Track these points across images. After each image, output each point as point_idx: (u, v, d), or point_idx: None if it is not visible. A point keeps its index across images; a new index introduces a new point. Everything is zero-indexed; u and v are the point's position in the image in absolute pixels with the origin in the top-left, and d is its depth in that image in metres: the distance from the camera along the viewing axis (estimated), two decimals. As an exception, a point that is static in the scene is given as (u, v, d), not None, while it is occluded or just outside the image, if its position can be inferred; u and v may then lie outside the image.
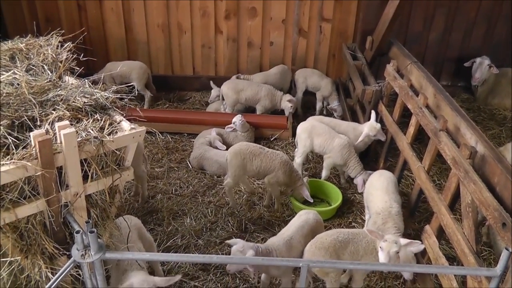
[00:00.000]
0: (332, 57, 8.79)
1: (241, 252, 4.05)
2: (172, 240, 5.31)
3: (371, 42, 7.57)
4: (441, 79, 8.83)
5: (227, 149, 6.80)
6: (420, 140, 6.84)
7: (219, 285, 4.76)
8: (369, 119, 6.28)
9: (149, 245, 4.43)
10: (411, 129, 5.45)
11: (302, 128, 6.42)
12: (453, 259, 4.96)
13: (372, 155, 6.85)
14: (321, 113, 8.12)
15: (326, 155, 6.21)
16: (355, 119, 7.24)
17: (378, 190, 5.14)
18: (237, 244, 4.12)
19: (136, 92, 3.92)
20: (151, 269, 4.76)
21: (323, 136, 6.23)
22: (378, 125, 6.11)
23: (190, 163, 6.76)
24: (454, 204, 4.46)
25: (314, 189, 6.23)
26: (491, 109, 8.46)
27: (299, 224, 4.68)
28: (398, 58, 6.76)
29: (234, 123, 6.96)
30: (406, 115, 6.16)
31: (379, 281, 4.91)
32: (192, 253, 5.10)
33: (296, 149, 6.52)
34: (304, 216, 4.80)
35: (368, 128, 6.12)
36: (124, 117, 3.53)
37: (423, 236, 4.74)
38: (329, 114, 8.07)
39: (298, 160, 6.35)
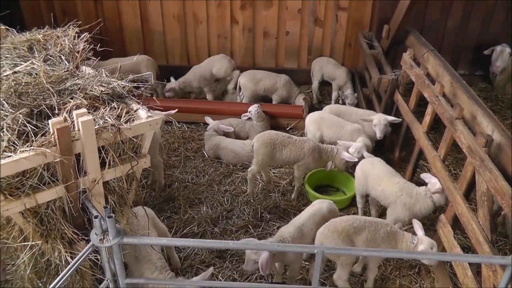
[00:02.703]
0: (348, 46, 8.73)
1: (255, 254, 4.10)
2: (188, 228, 5.38)
3: (387, 30, 7.51)
4: (458, 68, 8.70)
5: (238, 137, 6.85)
6: (436, 129, 6.79)
7: (235, 272, 4.82)
8: (385, 109, 6.25)
9: (163, 235, 4.49)
10: (427, 118, 5.42)
11: (311, 119, 6.44)
12: (467, 249, 4.94)
13: (387, 145, 6.83)
14: (336, 102, 8.10)
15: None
16: (371, 108, 7.20)
17: (383, 178, 5.15)
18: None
19: (153, 81, 3.95)
20: (167, 256, 4.84)
21: (332, 127, 6.25)
22: (385, 120, 6.00)
23: (206, 153, 6.82)
24: (469, 193, 4.44)
25: (329, 178, 6.25)
26: (510, 98, 8.33)
27: (312, 212, 4.72)
28: (415, 46, 6.70)
29: (249, 112, 6.97)
30: (422, 104, 6.13)
31: (394, 270, 4.92)
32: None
33: None
34: (317, 205, 4.83)
35: (376, 117, 6.06)
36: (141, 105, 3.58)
37: (438, 225, 4.73)
38: (345, 102, 8.05)
39: None
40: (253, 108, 6.93)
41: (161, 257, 4.08)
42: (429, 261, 4.40)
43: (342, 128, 6.18)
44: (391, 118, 6.06)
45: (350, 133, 6.08)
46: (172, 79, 8.05)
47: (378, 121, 6.00)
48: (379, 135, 6.04)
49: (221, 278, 4.72)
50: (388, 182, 5.10)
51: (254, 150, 5.65)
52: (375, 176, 5.24)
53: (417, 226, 4.41)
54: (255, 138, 5.71)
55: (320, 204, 4.84)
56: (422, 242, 4.22)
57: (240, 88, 7.96)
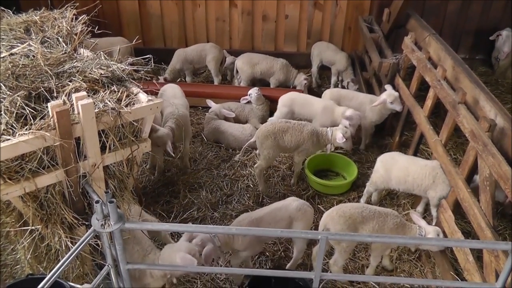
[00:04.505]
0: (348, 30, 8.65)
1: (200, 245, 3.96)
2: (188, 213, 5.35)
3: (388, 14, 7.42)
4: (458, 52, 8.57)
5: (238, 121, 6.78)
6: (436, 114, 6.75)
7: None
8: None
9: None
10: (429, 102, 5.38)
11: (283, 101, 6.39)
12: (468, 234, 4.93)
13: (388, 129, 6.81)
14: (336, 86, 8.04)
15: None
16: (371, 92, 7.15)
17: (409, 168, 5.07)
18: (196, 238, 4.03)
19: (152, 64, 3.87)
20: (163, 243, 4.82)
21: (304, 107, 6.25)
22: (396, 93, 6.03)
23: (205, 137, 6.77)
24: (471, 178, 4.42)
25: (329, 163, 6.22)
26: (510, 83, 8.29)
27: (276, 207, 4.55)
28: (416, 30, 6.63)
29: (249, 95, 6.91)
30: (422, 88, 6.08)
31: (395, 256, 4.91)
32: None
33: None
34: (288, 201, 4.62)
35: (386, 95, 6.04)
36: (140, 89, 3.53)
37: (439, 210, 4.72)
38: (344, 86, 7.99)
39: None
40: (253, 91, 6.87)
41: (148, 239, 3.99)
42: (437, 247, 4.39)
43: (313, 106, 6.19)
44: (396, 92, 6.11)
45: (322, 110, 6.08)
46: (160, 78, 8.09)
47: (394, 97, 6.00)
48: (400, 107, 6.04)
49: (221, 264, 4.70)
50: (415, 168, 5.02)
51: (258, 147, 5.62)
52: (400, 169, 5.14)
53: (417, 217, 4.40)
54: (255, 135, 5.69)
55: (290, 202, 4.60)
56: (429, 233, 4.21)
57: (237, 71, 7.91)
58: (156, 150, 5.48)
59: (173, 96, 6.06)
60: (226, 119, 6.87)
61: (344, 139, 5.49)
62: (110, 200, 2.61)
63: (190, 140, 6.19)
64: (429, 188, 4.94)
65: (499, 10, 8.42)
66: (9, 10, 4.27)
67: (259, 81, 7.97)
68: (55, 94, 3.18)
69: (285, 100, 6.39)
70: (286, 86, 7.94)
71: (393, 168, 5.18)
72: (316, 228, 4.88)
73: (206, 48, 8.03)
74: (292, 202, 4.57)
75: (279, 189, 5.81)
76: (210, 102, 6.98)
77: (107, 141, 3.24)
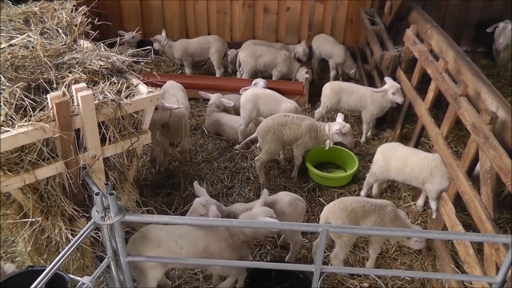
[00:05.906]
0: (349, 22, 8.62)
1: (204, 206, 3.98)
2: (189, 205, 5.33)
3: (390, 6, 7.39)
4: (460, 45, 8.48)
5: (239, 113, 6.75)
6: (438, 106, 6.72)
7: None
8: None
9: None
10: (430, 95, 5.36)
11: (246, 98, 6.31)
12: (468, 226, 4.92)
13: (389, 122, 6.79)
14: (336, 79, 8.01)
15: None
16: (372, 84, 7.13)
17: (408, 159, 5.07)
18: (202, 196, 4.05)
19: (153, 56, 3.85)
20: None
21: (268, 103, 6.21)
22: (399, 85, 6.02)
23: (206, 129, 6.76)
24: (472, 171, 4.41)
25: (330, 156, 6.21)
26: (511, 75, 8.26)
27: (270, 200, 4.44)
28: (418, 22, 6.60)
29: (255, 85, 6.84)
30: (423, 81, 6.06)
31: (396, 249, 4.90)
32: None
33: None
34: (279, 196, 4.55)
35: (389, 85, 6.04)
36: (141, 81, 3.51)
37: (440, 203, 4.71)
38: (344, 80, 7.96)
39: (242, 127, 6.35)
40: (260, 81, 6.82)
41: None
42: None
43: (279, 105, 6.17)
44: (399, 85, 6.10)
45: (285, 110, 6.04)
46: (163, 32, 8.13)
47: (396, 88, 6.01)
48: (401, 100, 6.03)
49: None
50: (415, 160, 5.01)
51: (260, 142, 5.61)
52: (399, 159, 5.13)
53: None
54: (256, 131, 5.66)
55: (282, 196, 4.53)
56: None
57: (240, 64, 7.90)
58: (156, 142, 5.47)
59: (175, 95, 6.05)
60: (226, 110, 6.84)
61: (339, 130, 5.45)
62: (110, 192, 2.61)
63: (189, 138, 6.16)
64: (426, 181, 4.93)
65: (500, 3, 8.39)
66: (8, 1, 4.26)
67: (261, 74, 7.94)
68: (54, 86, 3.18)
69: (248, 96, 6.31)
70: (288, 78, 7.91)
71: (392, 158, 5.18)
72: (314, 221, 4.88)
73: (210, 40, 8.03)
74: (284, 197, 4.49)
75: (280, 181, 5.80)
76: (206, 94, 6.94)
77: (107, 133, 3.23)
